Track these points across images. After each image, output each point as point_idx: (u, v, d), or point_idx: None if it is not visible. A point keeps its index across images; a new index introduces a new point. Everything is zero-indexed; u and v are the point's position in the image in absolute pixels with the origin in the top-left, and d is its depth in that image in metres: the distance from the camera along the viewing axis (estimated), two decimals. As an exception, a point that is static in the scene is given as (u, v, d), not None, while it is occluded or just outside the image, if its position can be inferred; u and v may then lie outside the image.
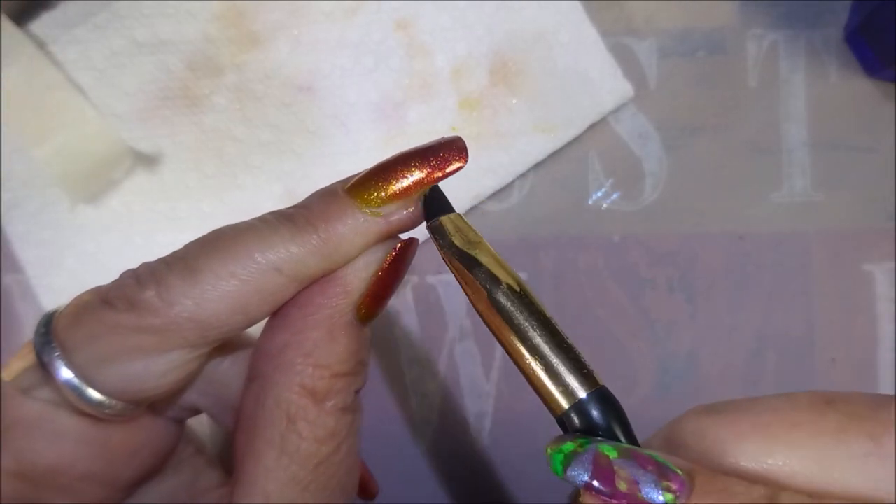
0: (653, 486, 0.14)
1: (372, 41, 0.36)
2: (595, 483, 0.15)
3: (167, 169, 0.36)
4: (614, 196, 0.36)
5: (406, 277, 0.35)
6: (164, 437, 0.22)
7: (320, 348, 0.19)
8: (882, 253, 0.35)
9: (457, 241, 0.19)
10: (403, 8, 0.36)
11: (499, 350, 0.35)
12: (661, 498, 0.14)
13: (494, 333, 0.18)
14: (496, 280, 0.18)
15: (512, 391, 0.35)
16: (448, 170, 0.20)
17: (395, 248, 0.20)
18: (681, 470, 0.15)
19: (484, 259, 0.18)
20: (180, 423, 0.24)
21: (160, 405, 0.22)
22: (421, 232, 0.20)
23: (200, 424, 0.25)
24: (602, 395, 0.17)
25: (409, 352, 0.36)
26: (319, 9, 0.36)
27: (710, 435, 0.16)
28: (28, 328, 0.36)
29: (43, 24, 0.35)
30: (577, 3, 0.35)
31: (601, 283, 0.35)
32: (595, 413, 0.16)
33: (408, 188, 0.19)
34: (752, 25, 0.36)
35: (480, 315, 0.18)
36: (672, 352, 0.35)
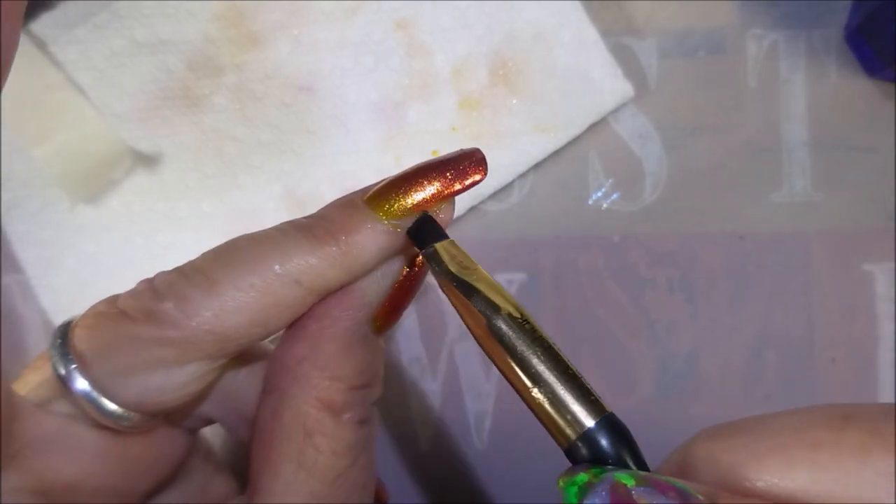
0: None
1: (372, 41, 0.36)
2: None
3: (167, 169, 0.36)
4: (614, 196, 0.36)
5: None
6: (179, 447, 0.22)
7: (337, 361, 0.19)
8: (882, 253, 0.35)
9: (452, 268, 0.18)
10: (403, 8, 0.36)
11: (499, 350, 0.35)
12: None
13: (495, 362, 0.18)
14: (495, 307, 0.17)
15: (512, 391, 0.35)
16: (467, 182, 0.19)
17: (412, 260, 0.20)
18: (702, 495, 0.14)
19: (481, 286, 0.18)
20: (194, 432, 0.24)
21: (176, 416, 0.22)
22: None
23: (208, 429, 0.25)
24: (610, 423, 0.16)
25: (409, 352, 0.36)
26: (319, 9, 0.36)
27: (725, 459, 0.15)
28: (28, 328, 0.36)
29: (43, 24, 0.35)
30: (577, 3, 0.35)
31: (601, 283, 0.35)
32: (604, 441, 0.16)
33: (427, 200, 0.19)
34: (752, 25, 0.36)
35: (479, 343, 0.18)
36: (672, 352, 0.35)
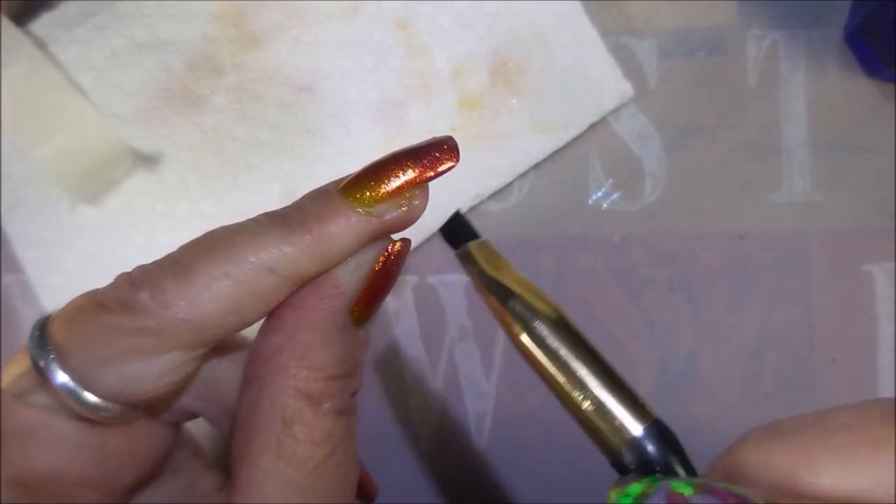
0: None
1: (372, 41, 0.36)
2: None
3: (167, 169, 0.36)
4: (614, 196, 0.36)
5: (406, 277, 0.35)
6: (161, 440, 0.22)
7: (314, 351, 0.19)
8: (882, 253, 0.35)
9: (487, 270, 0.18)
10: (403, 8, 0.36)
11: (499, 350, 0.35)
12: None
13: (535, 369, 0.17)
14: (533, 311, 0.17)
15: (512, 391, 0.35)
16: (440, 169, 0.20)
17: (387, 248, 0.20)
18: (762, 500, 0.14)
19: (518, 289, 0.17)
20: (177, 426, 0.24)
21: (157, 409, 0.22)
22: (413, 232, 0.20)
23: (197, 426, 0.25)
24: (659, 429, 0.16)
25: (409, 352, 0.36)
26: (319, 9, 0.36)
27: (779, 463, 0.14)
28: (28, 328, 0.36)
29: (43, 24, 0.35)
30: (577, 3, 0.35)
31: (601, 283, 0.35)
32: (652, 449, 0.15)
33: (400, 187, 0.19)
34: (752, 25, 0.36)
35: (518, 350, 0.17)
36: (672, 352, 0.35)
